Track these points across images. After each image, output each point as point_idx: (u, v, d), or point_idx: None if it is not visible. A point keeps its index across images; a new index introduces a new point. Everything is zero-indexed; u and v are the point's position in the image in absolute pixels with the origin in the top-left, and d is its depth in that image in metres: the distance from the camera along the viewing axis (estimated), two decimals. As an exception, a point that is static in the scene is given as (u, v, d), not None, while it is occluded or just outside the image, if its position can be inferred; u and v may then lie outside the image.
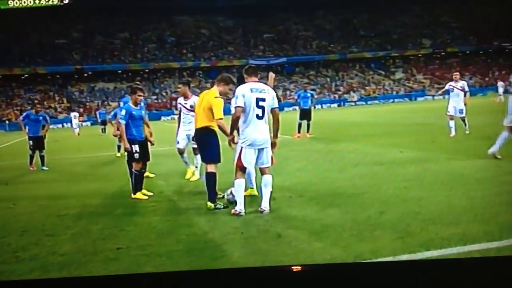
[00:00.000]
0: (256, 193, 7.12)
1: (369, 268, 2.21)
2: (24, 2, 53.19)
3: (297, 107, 18.66)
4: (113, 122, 14.96)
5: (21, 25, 64.18)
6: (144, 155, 7.93)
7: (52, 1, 56.44)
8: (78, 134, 30.92)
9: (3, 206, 7.66)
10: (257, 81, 6.45)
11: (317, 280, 1.78)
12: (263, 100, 6.26)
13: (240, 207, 6.15)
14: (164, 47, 74.89)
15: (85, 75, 67.01)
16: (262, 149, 6.30)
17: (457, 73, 14.98)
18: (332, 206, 6.25)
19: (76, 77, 66.70)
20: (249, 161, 6.28)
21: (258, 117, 6.23)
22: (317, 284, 1.76)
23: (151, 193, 7.85)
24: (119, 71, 67.54)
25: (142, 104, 8.18)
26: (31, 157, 12.75)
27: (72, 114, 32.98)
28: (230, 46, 76.81)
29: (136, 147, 7.74)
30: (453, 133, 13.53)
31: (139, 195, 7.72)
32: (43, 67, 64.21)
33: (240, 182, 6.29)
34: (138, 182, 7.81)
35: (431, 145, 12.12)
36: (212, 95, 6.65)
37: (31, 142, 12.59)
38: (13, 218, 6.71)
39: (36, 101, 60.55)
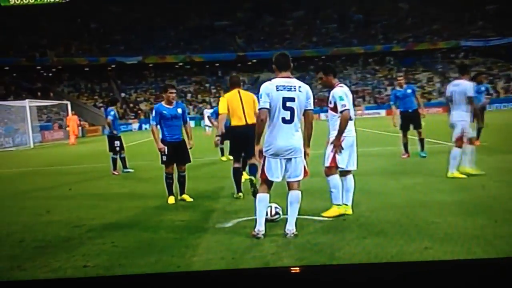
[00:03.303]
0: (350, 211, 7.32)
1: (368, 269, 2.44)
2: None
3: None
4: (212, 120, 16.07)
5: (178, 6, 70.17)
6: (178, 157, 8.79)
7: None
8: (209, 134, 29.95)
9: (38, 213, 8.85)
10: (288, 77, 6.43)
11: (316, 281, 2.12)
12: (292, 100, 6.26)
13: (259, 228, 6.29)
14: (347, 28, 75.35)
15: (249, 63, 70.37)
16: (290, 159, 6.35)
17: None
18: (378, 236, 6.16)
19: (238, 66, 69.32)
20: (273, 173, 6.36)
21: (284, 121, 6.27)
22: (315, 286, 2.12)
23: (191, 199, 8.90)
24: (289, 59, 69.63)
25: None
26: (115, 160, 14.13)
27: (205, 111, 31.24)
28: (435, 24, 74.33)
29: (164, 149, 8.63)
30: None
31: (171, 199, 8.80)
32: (200, 54, 68.88)
33: (262, 198, 6.42)
34: (169, 186, 8.84)
35: None
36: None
37: (117, 142, 14.07)
38: (32, 226, 7.85)
39: (189, 94, 66.00)
